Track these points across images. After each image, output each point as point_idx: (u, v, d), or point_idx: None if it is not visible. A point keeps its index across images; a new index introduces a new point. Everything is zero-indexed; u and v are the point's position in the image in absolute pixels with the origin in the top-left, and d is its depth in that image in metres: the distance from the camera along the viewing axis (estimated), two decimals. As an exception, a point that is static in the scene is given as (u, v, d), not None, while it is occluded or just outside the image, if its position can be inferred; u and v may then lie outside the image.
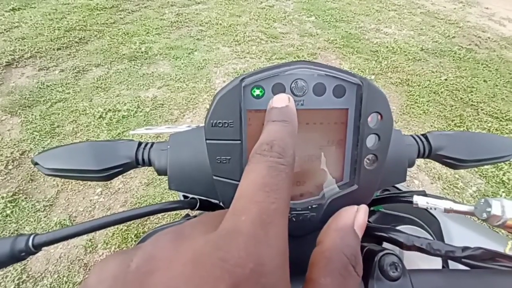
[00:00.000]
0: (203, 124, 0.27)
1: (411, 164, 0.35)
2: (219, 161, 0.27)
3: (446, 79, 2.68)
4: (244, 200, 0.15)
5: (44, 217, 1.51)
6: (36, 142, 1.85)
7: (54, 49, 2.68)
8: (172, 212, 1.47)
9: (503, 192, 1.75)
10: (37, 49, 2.64)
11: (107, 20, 3.20)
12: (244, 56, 2.81)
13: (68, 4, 3.42)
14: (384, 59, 2.89)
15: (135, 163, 0.35)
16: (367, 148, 0.27)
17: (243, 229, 0.13)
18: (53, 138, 1.90)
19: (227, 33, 3.16)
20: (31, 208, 1.54)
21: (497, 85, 2.66)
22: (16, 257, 0.30)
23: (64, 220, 1.51)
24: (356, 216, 0.22)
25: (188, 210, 0.55)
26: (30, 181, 1.66)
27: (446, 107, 2.38)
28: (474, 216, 0.30)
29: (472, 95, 2.51)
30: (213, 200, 0.42)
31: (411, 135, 0.38)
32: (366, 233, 0.32)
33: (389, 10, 3.98)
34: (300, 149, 0.27)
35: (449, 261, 0.43)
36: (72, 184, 1.66)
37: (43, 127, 1.95)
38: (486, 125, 2.22)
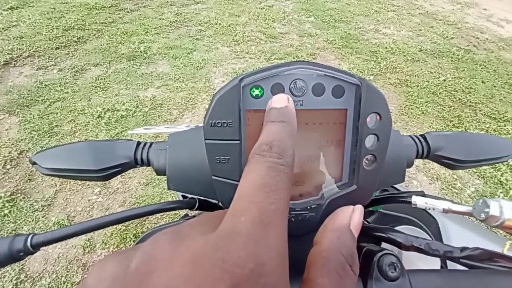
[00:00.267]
0: (202, 124, 0.27)
1: (409, 165, 0.35)
2: (218, 161, 0.27)
3: (444, 80, 2.69)
4: (243, 201, 0.15)
5: (42, 217, 1.51)
6: (34, 142, 1.85)
7: (52, 48, 2.67)
8: (171, 212, 1.46)
9: (501, 192, 1.76)
10: (36, 48, 2.63)
11: (106, 20, 3.19)
12: (243, 56, 2.81)
13: (66, 3, 3.41)
14: (383, 60, 2.90)
15: (134, 163, 0.34)
16: (366, 149, 0.27)
17: (243, 229, 0.13)
18: (51, 137, 1.89)
19: (226, 33, 3.16)
20: (29, 208, 1.53)
21: (495, 86, 2.67)
22: (14, 257, 0.30)
23: (63, 220, 1.50)
24: (352, 216, 0.22)
25: (187, 210, 0.55)
26: (28, 180, 1.65)
27: (444, 107, 2.39)
28: (472, 217, 0.30)
29: (470, 96, 2.52)
30: (212, 200, 0.42)
31: (410, 136, 0.38)
32: (365, 233, 0.32)
33: (388, 11, 3.99)
34: (299, 150, 0.27)
35: (448, 261, 0.44)
36: (71, 184, 1.66)
37: (41, 127, 1.95)
38: (484, 126, 2.23)
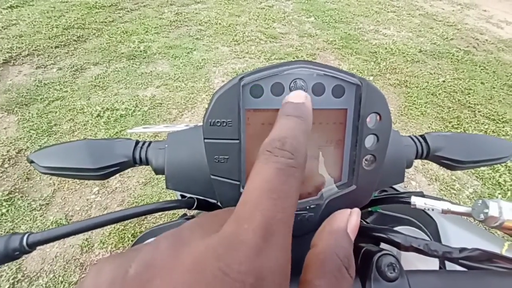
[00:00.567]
0: (201, 123, 0.27)
1: (409, 165, 0.35)
2: (217, 161, 0.26)
3: (444, 81, 2.70)
4: (248, 207, 0.14)
5: (40, 216, 1.50)
6: (33, 141, 1.84)
7: (52, 47, 2.66)
8: (169, 212, 1.46)
9: (499, 194, 1.76)
10: (35, 47, 2.62)
11: (105, 19, 3.19)
12: (243, 56, 2.81)
13: (66, 2, 3.41)
14: (383, 60, 2.90)
15: (133, 162, 0.34)
16: (365, 149, 0.27)
17: (245, 238, 0.13)
18: (50, 136, 1.89)
19: (226, 32, 3.15)
20: (27, 207, 1.53)
21: (494, 87, 2.68)
22: (10, 256, 0.29)
23: (61, 219, 1.50)
24: (349, 219, 0.22)
25: (186, 209, 0.54)
26: (26, 179, 1.64)
27: (443, 108, 2.39)
28: (471, 217, 0.30)
29: (469, 97, 2.52)
30: (210, 200, 0.42)
31: (409, 136, 0.38)
32: (364, 234, 0.32)
33: (388, 12, 3.99)
34: None
35: (446, 262, 0.44)
36: (69, 183, 1.65)
37: (40, 126, 1.94)
38: (483, 127, 2.23)
